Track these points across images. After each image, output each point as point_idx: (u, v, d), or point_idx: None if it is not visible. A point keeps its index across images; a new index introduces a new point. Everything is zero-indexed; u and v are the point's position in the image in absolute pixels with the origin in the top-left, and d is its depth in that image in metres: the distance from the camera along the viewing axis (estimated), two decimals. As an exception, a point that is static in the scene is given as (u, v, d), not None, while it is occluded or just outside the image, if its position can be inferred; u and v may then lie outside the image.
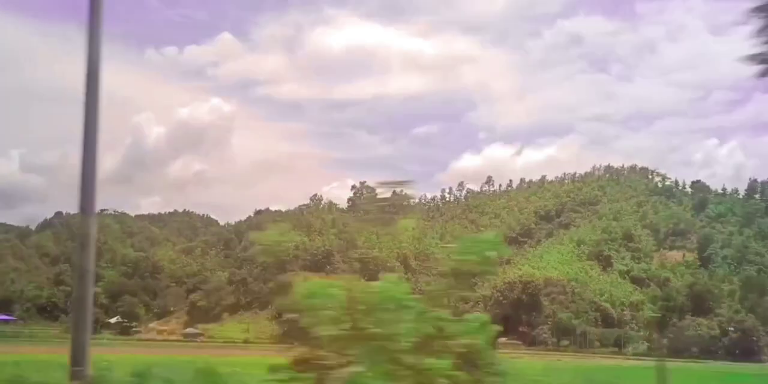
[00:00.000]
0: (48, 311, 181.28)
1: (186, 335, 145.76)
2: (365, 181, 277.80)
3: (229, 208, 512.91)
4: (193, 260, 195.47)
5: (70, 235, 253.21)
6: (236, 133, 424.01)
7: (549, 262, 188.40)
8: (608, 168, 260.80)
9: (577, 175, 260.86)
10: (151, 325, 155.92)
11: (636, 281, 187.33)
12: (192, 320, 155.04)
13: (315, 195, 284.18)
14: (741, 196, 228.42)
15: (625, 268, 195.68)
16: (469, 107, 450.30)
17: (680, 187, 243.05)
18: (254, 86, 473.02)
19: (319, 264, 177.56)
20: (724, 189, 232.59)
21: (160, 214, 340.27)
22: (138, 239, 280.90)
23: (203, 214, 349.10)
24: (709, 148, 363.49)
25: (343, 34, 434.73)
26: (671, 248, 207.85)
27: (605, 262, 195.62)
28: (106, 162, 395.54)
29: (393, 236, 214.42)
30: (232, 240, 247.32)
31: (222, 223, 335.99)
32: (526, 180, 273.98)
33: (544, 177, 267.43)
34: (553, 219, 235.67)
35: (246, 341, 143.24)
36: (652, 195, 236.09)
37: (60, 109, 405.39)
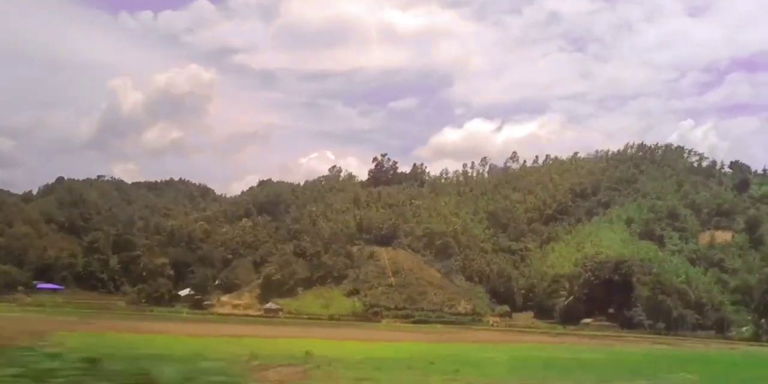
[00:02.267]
0: (84, 280, 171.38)
1: (267, 310, 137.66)
2: (386, 154, 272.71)
3: (210, 176, 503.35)
4: (242, 231, 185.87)
5: (74, 200, 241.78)
6: (213, 102, 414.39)
7: (613, 241, 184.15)
8: (641, 146, 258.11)
9: (610, 152, 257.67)
10: (223, 298, 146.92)
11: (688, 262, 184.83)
12: (265, 294, 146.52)
13: (333, 167, 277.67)
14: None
15: (675, 248, 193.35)
16: (446, 82, 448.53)
17: (718, 167, 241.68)
18: (230, 54, 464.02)
19: (386, 238, 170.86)
20: (765, 169, 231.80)
21: (156, 182, 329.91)
22: (137, 207, 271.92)
23: (200, 183, 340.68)
24: (685, 129, 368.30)
25: (322, 4, 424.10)
26: (716, 228, 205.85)
27: (658, 242, 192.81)
28: (81, 127, 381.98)
29: (436, 211, 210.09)
30: (250, 210, 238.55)
31: (218, 192, 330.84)
32: (552, 156, 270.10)
33: (576, 154, 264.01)
34: (589, 197, 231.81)
35: (333, 318, 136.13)
36: (691, 174, 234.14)
37: (31, 72, 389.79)
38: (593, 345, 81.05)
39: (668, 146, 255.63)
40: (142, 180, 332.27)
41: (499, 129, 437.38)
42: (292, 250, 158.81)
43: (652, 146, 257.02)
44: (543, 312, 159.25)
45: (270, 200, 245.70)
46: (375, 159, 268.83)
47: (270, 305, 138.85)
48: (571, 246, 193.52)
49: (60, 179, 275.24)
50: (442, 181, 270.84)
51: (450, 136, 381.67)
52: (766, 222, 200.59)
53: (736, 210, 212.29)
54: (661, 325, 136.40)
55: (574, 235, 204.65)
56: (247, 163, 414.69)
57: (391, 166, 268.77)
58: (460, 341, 79.19)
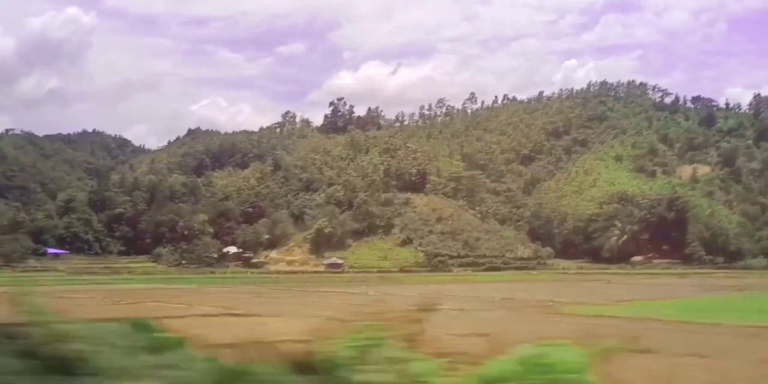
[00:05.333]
0: (68, 242, 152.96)
1: (329, 266, 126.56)
2: (342, 98, 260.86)
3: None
4: (246, 182, 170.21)
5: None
6: (94, 48, 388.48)
7: (627, 178, 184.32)
8: (604, 84, 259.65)
9: (574, 90, 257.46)
10: (272, 255, 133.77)
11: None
12: (315, 249, 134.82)
13: (287, 113, 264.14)
14: (744, 110, 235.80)
15: (664, 183, 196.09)
16: (334, 26, 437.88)
17: (681, 103, 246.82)
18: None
19: (415, 184, 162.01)
20: (727, 104, 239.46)
21: (69, 134, 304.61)
22: (55, 162, 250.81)
23: (116, 135, 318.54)
24: (569, 69, 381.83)
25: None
26: (691, 162, 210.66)
27: (651, 178, 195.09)
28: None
29: (433, 155, 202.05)
30: (204, 161, 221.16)
31: (137, 144, 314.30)
32: (510, 96, 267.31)
33: (541, 93, 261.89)
34: (562, 136, 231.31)
35: (404, 270, 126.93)
36: (657, 110, 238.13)
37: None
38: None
39: (631, 83, 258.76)
40: (53, 132, 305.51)
41: (394, 72, 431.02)
42: (325, 200, 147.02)
43: (615, 83, 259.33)
44: (573, 252, 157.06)
45: (225, 150, 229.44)
46: (331, 103, 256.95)
47: (334, 260, 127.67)
48: (572, 185, 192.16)
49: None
50: (397, 125, 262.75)
51: (345, 79, 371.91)
52: (742, 155, 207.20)
53: (707, 144, 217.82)
54: (719, 259, 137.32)
55: (565, 173, 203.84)
56: (135, 111, 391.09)
57: (348, 110, 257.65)
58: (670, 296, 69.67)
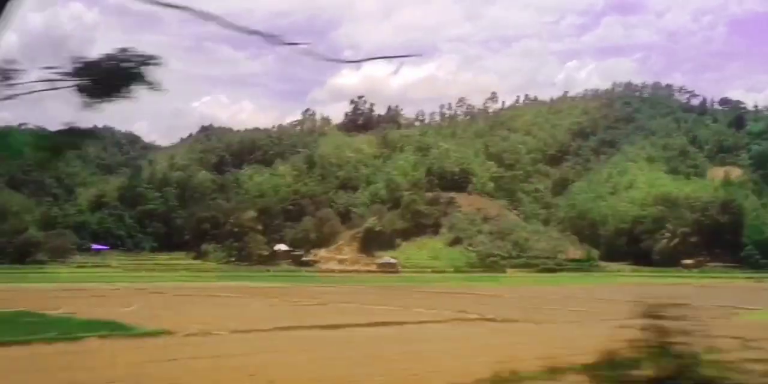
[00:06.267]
0: (101, 238, 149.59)
1: (381, 265, 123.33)
2: (363, 96, 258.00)
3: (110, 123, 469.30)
4: (281, 181, 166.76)
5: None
6: (97, 44, 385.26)
7: (666, 180, 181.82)
8: (628, 85, 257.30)
9: (599, 91, 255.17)
10: (322, 253, 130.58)
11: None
12: (363, 247, 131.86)
13: (307, 110, 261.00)
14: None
15: (697, 186, 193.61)
16: (334, 25, 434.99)
17: (709, 104, 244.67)
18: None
19: (458, 183, 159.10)
20: (756, 106, 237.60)
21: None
22: (68, 157, 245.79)
23: (127, 131, 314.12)
24: (571, 70, 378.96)
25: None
26: (722, 165, 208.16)
27: (686, 180, 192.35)
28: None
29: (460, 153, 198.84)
30: (225, 159, 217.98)
31: (147, 140, 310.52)
32: (531, 96, 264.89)
33: (565, 93, 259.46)
34: (588, 136, 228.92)
35: (459, 270, 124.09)
36: (685, 112, 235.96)
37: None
38: None
39: (656, 84, 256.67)
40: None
41: (396, 71, 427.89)
42: (369, 199, 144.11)
43: (640, 84, 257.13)
44: (616, 254, 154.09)
45: (245, 147, 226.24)
46: (352, 101, 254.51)
47: (387, 259, 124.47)
48: (606, 186, 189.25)
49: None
50: (417, 123, 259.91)
51: (347, 78, 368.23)
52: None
53: (737, 146, 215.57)
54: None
55: (596, 174, 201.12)
56: (136, 108, 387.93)
57: (368, 108, 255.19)
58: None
